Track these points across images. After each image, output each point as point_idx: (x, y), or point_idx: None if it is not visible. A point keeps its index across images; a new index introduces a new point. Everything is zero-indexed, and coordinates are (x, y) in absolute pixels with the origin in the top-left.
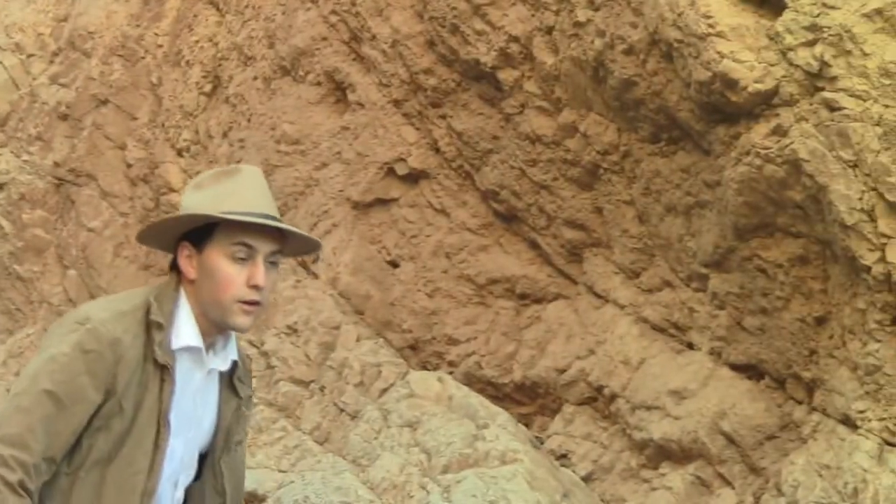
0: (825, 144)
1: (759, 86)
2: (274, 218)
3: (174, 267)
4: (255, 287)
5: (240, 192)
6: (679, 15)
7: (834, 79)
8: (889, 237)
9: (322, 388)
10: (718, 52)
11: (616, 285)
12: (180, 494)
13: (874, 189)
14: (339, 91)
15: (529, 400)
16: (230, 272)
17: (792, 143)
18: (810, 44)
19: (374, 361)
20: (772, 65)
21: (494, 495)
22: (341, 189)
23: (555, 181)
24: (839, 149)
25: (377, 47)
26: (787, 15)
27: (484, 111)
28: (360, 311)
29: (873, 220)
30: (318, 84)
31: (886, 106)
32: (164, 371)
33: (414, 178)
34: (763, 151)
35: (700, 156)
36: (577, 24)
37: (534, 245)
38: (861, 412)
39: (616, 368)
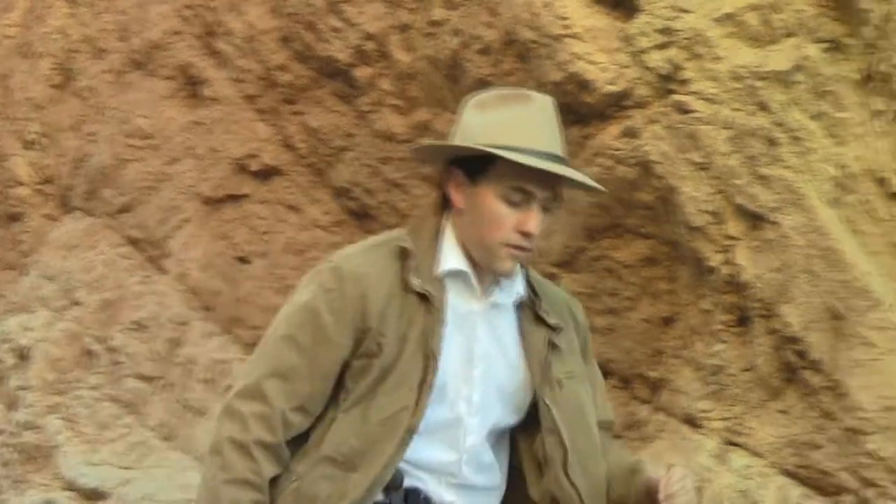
0: (675, 147)
1: (611, 87)
2: (561, 160)
3: (441, 188)
4: (526, 234)
5: (527, 125)
6: (534, 16)
7: (685, 82)
8: (736, 239)
9: (168, 385)
10: (572, 54)
11: None
12: (495, 439)
13: (722, 192)
14: (192, 86)
15: None
16: (502, 213)
17: (643, 144)
18: (663, 47)
19: (222, 358)
20: (625, 67)
21: None
22: (192, 184)
23: (408, 179)
24: (689, 151)
25: (231, 42)
26: (641, 18)
27: (338, 108)
28: (210, 308)
29: (720, 222)
30: (172, 78)
31: (736, 109)
32: (427, 300)
33: (266, 174)
34: (614, 153)
35: None
36: (433, 23)
37: None
38: (704, 412)
39: None
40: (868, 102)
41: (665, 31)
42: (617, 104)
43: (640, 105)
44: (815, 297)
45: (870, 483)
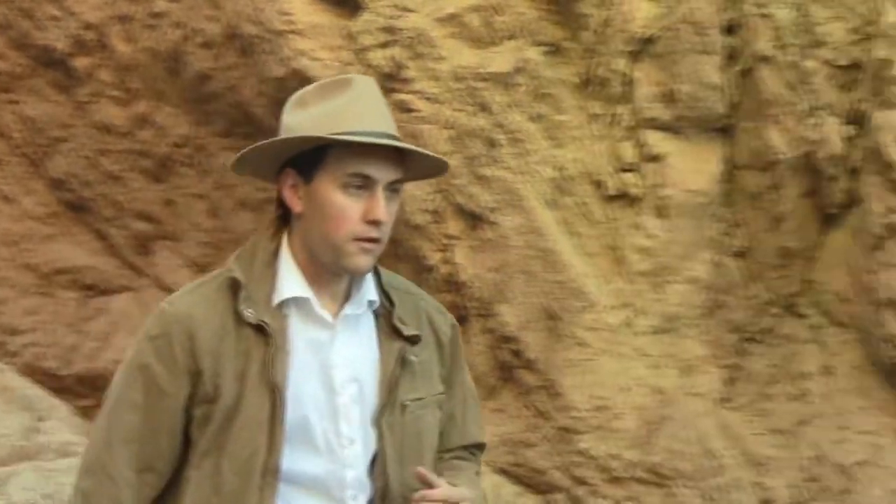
0: None
1: None
2: (395, 138)
3: (277, 202)
4: (375, 223)
5: (353, 109)
6: (258, 10)
7: (408, 81)
8: (455, 238)
9: None
10: (295, 50)
11: (184, 279)
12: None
13: (442, 191)
14: None
15: (91, 392)
16: (344, 205)
17: None
18: (386, 45)
19: None
20: (348, 64)
21: (51, 489)
22: None
23: (126, 172)
24: None
25: None
26: (365, 16)
27: (56, 98)
28: None
29: (440, 221)
30: None
31: (457, 110)
32: (265, 332)
33: None
34: None
35: None
36: (155, 15)
37: (102, 236)
38: None
39: None
40: (586, 106)
41: (388, 29)
42: None
43: None
44: (532, 298)
45: (581, 481)
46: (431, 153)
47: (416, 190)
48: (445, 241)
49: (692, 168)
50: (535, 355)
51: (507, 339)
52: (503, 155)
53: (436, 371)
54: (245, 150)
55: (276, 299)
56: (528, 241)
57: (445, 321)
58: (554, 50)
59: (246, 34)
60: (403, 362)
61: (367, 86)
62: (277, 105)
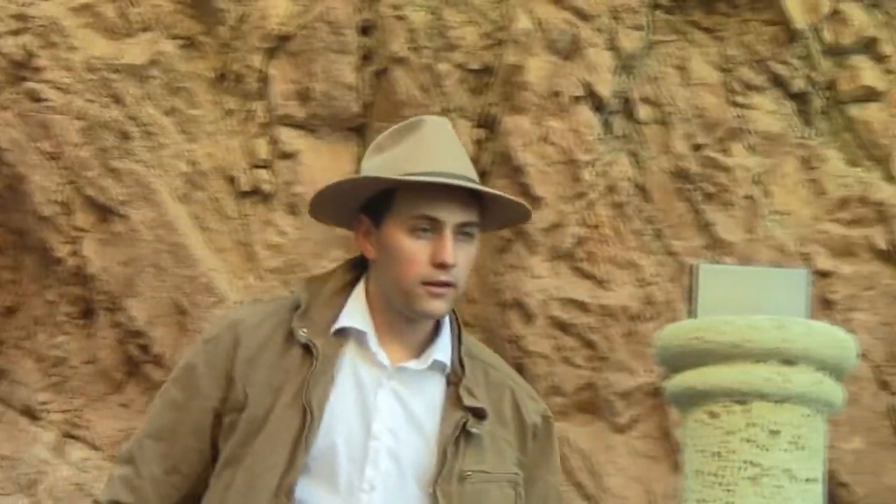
0: (26, 135)
1: None
2: (465, 179)
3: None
4: (442, 266)
5: (420, 150)
6: None
7: (39, 70)
8: (84, 231)
9: None
10: None
11: None
12: None
13: (73, 182)
14: None
15: None
16: (412, 249)
17: None
18: (17, 33)
19: None
20: None
21: None
22: None
23: None
24: (40, 140)
25: None
26: None
27: None
28: None
29: (70, 213)
30: None
31: (90, 101)
32: (312, 354)
33: None
34: None
35: None
36: None
37: None
38: (43, 404)
39: None
40: (221, 101)
41: (20, 17)
42: None
43: None
44: (162, 292)
45: None
46: (503, 194)
47: (45, 181)
48: (74, 233)
49: (325, 166)
50: (163, 350)
51: (135, 334)
52: (136, 148)
53: (511, 452)
54: (318, 192)
55: (335, 326)
56: (159, 235)
57: (536, 408)
58: (189, 44)
59: None
60: (466, 433)
61: (436, 126)
62: None
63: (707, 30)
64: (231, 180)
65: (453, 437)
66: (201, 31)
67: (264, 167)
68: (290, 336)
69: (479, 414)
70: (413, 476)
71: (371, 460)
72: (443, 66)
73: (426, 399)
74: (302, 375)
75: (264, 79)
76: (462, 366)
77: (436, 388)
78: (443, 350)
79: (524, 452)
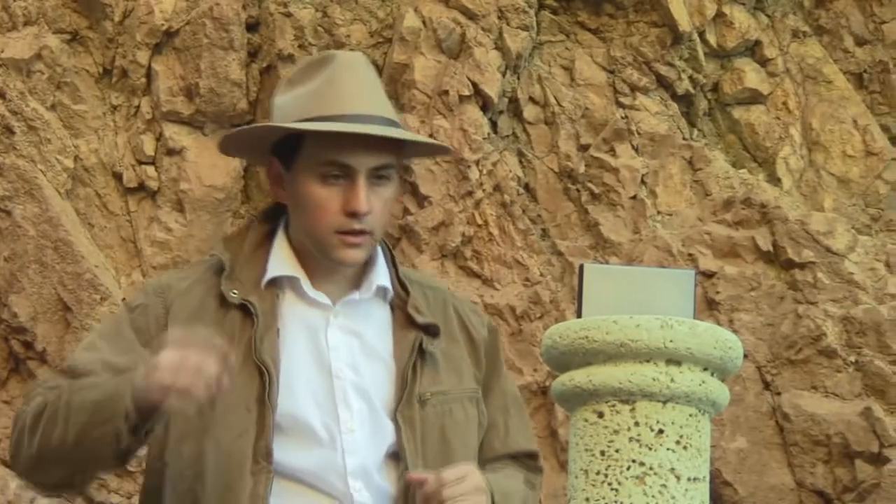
0: None
1: None
2: (378, 120)
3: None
4: (354, 213)
5: (332, 91)
6: None
7: None
8: None
9: None
10: None
11: None
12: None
13: None
14: None
15: None
16: (322, 197)
17: None
18: None
19: None
20: None
21: None
22: None
23: None
24: None
25: None
26: None
27: None
28: None
29: None
30: None
31: None
32: (250, 312)
33: None
34: None
35: None
36: None
37: None
38: None
39: None
40: (106, 97)
41: None
42: None
43: None
44: (46, 289)
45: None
46: (417, 137)
47: None
48: None
49: (211, 163)
50: (47, 347)
51: (18, 330)
52: (19, 143)
53: (467, 369)
54: (225, 137)
55: (265, 279)
56: (43, 231)
57: (481, 321)
58: (74, 38)
59: None
60: (421, 353)
61: (349, 62)
62: None
63: (593, 31)
64: (116, 176)
65: (411, 361)
66: (86, 26)
67: (150, 163)
68: (223, 300)
69: (431, 331)
70: (381, 405)
71: (341, 400)
72: None
73: (377, 327)
74: (247, 336)
75: (150, 74)
76: (404, 288)
77: (383, 315)
78: (382, 276)
79: (479, 367)
